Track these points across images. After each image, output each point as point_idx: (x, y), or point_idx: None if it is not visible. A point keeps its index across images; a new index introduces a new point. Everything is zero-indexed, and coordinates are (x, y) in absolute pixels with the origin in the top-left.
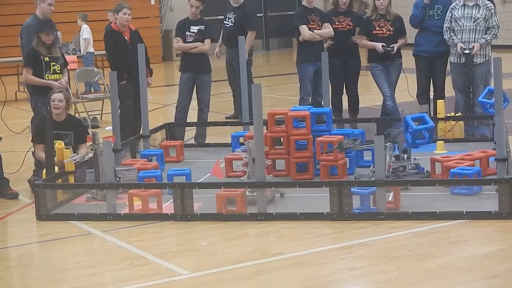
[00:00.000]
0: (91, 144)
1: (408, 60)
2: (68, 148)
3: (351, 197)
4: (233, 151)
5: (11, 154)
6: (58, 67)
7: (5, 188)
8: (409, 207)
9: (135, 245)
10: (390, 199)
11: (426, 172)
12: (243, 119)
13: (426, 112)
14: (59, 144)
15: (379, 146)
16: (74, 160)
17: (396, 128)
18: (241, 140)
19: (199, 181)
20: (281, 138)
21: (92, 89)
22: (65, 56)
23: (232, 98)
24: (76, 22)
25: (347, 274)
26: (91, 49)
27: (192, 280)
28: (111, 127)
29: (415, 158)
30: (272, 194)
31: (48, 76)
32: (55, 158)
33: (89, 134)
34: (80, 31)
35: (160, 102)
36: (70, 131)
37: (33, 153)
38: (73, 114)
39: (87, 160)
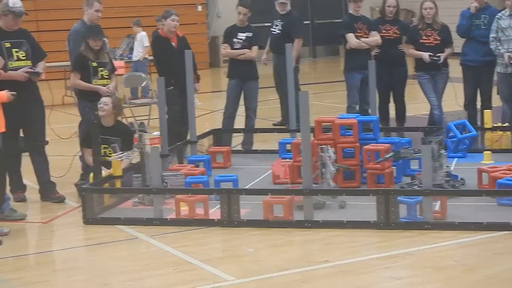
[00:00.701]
0: (137, 143)
1: (455, 69)
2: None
3: (397, 206)
4: (281, 158)
5: (58, 159)
6: (106, 73)
7: (52, 192)
8: (455, 217)
9: (181, 250)
10: (436, 208)
11: (461, 179)
12: (290, 126)
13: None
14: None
15: (427, 155)
16: (120, 158)
17: (435, 136)
18: (288, 147)
19: (246, 187)
20: (328, 146)
21: (139, 95)
22: (113, 62)
23: (279, 105)
24: (122, 28)
25: (393, 284)
26: (146, 55)
27: (237, 286)
28: (159, 132)
29: (447, 166)
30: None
31: (95, 82)
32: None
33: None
34: (135, 36)
35: (207, 108)
36: (118, 137)
37: (81, 157)
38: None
39: (134, 164)
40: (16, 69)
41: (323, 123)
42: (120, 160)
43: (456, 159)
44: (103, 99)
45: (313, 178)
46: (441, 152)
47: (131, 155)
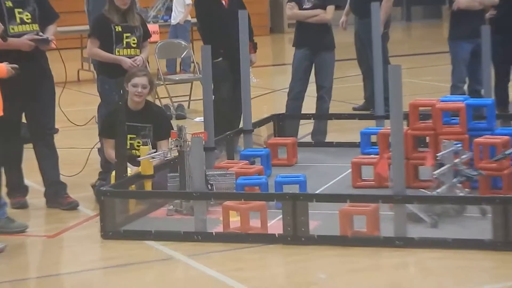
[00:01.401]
0: (176, 140)
1: None
2: (146, 145)
3: None
4: (362, 153)
5: (71, 152)
6: (133, 40)
7: (62, 196)
8: None
9: (230, 275)
10: None
11: None
12: (376, 111)
13: None
14: (137, 143)
15: None
16: (152, 158)
17: None
18: (373, 138)
19: (317, 191)
20: (427, 137)
21: (178, 69)
22: (147, 25)
23: (362, 83)
24: None
25: None
26: (188, 17)
27: None
28: (202, 118)
29: None
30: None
31: (118, 51)
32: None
33: (173, 128)
34: None
35: (266, 87)
36: (149, 123)
37: (100, 150)
38: (153, 101)
39: (170, 160)
40: (19, 35)
41: (420, 108)
42: (151, 161)
43: None
44: (140, 81)
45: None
46: None
47: (167, 154)
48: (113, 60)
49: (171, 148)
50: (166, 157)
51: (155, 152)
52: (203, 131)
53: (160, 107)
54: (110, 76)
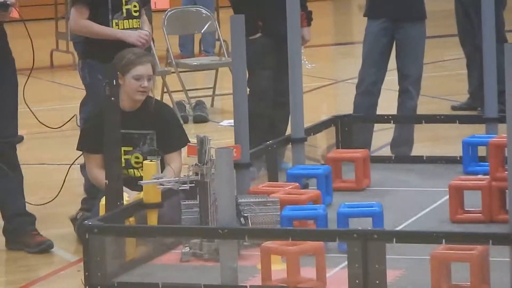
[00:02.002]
0: (195, 165)
1: None
2: (151, 161)
3: None
4: (466, 172)
5: (42, 170)
6: (135, 6)
7: (28, 233)
8: None
9: None
10: None
11: None
12: (486, 111)
13: None
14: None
15: None
16: (160, 184)
17: None
18: (482, 151)
19: (398, 228)
20: None
21: (197, 50)
22: None
23: (466, 71)
24: None
25: None
26: None
27: None
28: (232, 121)
29: None
30: None
31: (117, 24)
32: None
33: (187, 137)
34: None
35: (326, 76)
36: (150, 128)
37: (83, 167)
38: (158, 97)
39: (185, 185)
40: None
41: None
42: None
43: None
44: (144, 71)
45: None
46: None
47: (182, 181)
48: (111, 36)
49: (189, 175)
50: (181, 186)
51: (163, 176)
52: (234, 144)
53: (165, 104)
54: (104, 60)
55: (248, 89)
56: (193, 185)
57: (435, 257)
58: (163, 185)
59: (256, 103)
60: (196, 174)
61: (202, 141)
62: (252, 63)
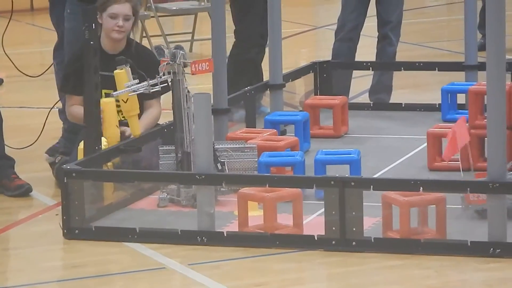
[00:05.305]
0: (167, 64)
1: None
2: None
3: None
4: (444, 120)
5: (21, 113)
6: None
7: (8, 177)
8: None
9: None
10: None
11: None
12: (466, 59)
13: None
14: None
15: None
16: (132, 91)
17: None
18: (461, 98)
19: (376, 175)
20: None
21: None
22: None
23: (447, 17)
24: None
25: None
26: None
27: None
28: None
29: None
30: None
31: None
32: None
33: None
34: None
35: (304, 22)
36: (133, 72)
37: (62, 112)
38: (139, 41)
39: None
40: None
41: None
42: (131, 93)
43: None
44: (121, 9)
45: None
46: None
47: (153, 84)
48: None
49: (161, 76)
50: (153, 89)
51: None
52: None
53: (147, 49)
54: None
55: (237, 36)
56: (165, 84)
57: (402, 204)
58: (135, 91)
59: (248, 49)
60: (168, 73)
61: (174, 54)
62: (245, 8)
